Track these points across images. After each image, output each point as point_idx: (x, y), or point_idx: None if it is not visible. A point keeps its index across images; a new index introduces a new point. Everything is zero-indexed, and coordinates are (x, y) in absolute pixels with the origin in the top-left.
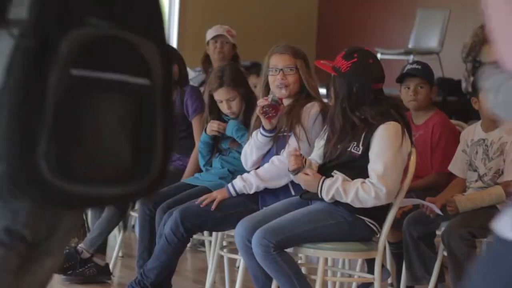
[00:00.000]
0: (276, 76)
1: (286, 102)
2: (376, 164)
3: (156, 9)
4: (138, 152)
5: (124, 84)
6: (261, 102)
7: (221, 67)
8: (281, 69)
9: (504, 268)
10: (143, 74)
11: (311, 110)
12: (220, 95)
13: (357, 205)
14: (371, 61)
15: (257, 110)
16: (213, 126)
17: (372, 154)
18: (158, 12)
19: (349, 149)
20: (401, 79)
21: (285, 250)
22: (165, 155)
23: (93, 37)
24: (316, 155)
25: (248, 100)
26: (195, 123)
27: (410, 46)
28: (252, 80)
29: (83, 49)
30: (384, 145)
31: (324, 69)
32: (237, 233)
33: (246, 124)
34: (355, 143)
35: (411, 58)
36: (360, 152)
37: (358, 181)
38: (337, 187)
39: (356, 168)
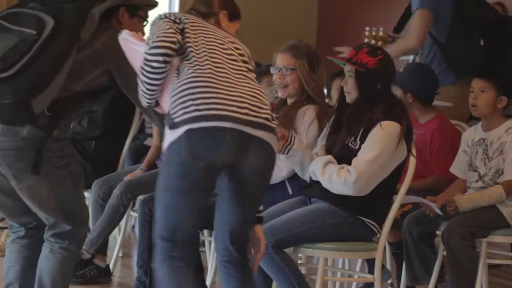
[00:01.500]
0: (276, 75)
1: (288, 101)
2: (360, 154)
3: None
4: (7, 60)
5: (21, 31)
6: None
7: None
8: (280, 69)
9: None
10: (35, 29)
11: (305, 114)
12: None
13: (327, 186)
14: (391, 59)
15: None
16: None
17: (363, 145)
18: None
19: (346, 143)
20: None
21: (285, 250)
22: (29, 71)
23: (17, 10)
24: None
25: None
26: None
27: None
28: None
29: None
30: (375, 140)
31: (345, 62)
32: None
33: None
34: (353, 137)
35: (411, 58)
36: (357, 147)
37: (337, 166)
38: (319, 165)
39: None
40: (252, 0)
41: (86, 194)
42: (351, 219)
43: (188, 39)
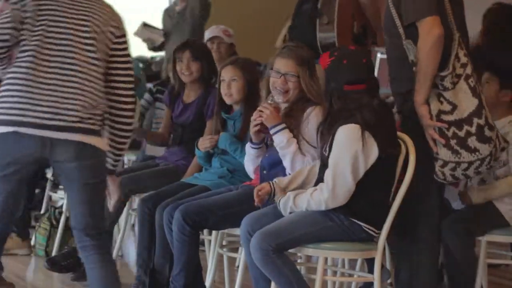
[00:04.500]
0: (278, 80)
1: (283, 105)
2: (328, 170)
3: None
4: None
5: None
6: (256, 119)
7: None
8: (283, 74)
9: None
10: None
11: (312, 115)
12: (226, 72)
13: (313, 209)
14: (345, 62)
15: (252, 124)
16: (205, 143)
17: (329, 158)
18: None
19: (323, 150)
20: None
21: (285, 252)
22: None
23: None
24: None
25: (250, 95)
26: (209, 124)
27: None
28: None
29: None
30: (338, 150)
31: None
32: (242, 228)
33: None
34: (326, 145)
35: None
36: (327, 154)
37: (310, 190)
38: (290, 206)
39: None
40: (253, 1)
41: None
42: (347, 223)
43: (24, 31)
